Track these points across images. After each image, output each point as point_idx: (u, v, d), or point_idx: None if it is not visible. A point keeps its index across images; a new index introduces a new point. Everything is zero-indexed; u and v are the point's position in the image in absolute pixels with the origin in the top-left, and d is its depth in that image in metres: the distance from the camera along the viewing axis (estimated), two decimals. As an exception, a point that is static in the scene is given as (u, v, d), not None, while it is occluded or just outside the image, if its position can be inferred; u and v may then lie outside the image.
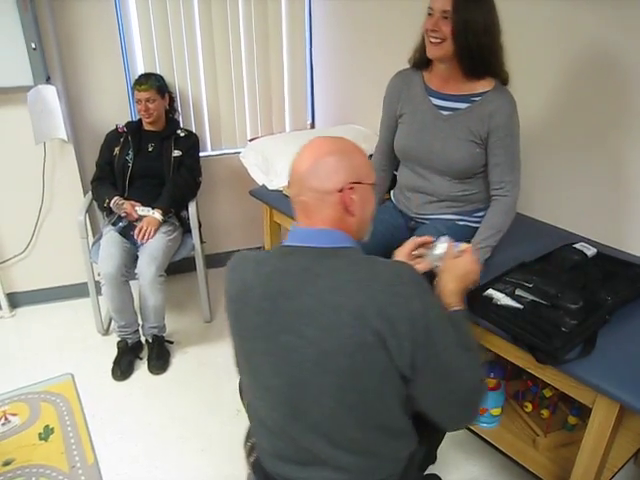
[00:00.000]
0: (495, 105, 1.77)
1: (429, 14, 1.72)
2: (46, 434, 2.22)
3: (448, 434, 1.61)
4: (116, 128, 2.76)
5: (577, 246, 1.92)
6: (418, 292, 1.09)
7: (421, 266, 1.50)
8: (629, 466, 2.08)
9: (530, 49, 2.18)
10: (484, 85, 1.80)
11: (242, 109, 3.25)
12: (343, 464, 1.21)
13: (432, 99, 1.89)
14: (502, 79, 1.81)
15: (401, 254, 1.52)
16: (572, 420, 1.91)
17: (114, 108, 2.96)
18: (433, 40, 1.73)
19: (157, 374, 2.56)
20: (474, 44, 1.70)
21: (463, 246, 1.48)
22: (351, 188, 1.16)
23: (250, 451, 1.39)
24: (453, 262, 1.45)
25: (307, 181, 1.16)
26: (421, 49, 1.84)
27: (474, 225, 1.91)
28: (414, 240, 1.52)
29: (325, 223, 1.17)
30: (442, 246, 1.49)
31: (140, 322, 2.66)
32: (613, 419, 1.47)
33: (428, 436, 1.39)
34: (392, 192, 2.17)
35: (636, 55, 1.89)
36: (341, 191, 1.15)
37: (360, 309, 1.05)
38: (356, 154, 1.22)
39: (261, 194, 2.68)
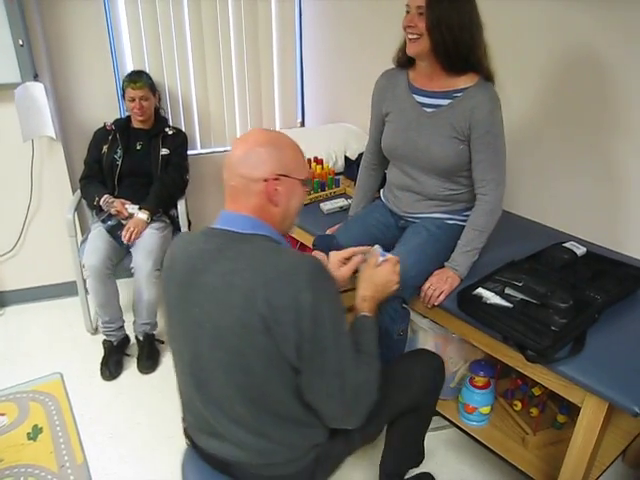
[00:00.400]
0: (476, 101, 1.77)
1: (407, 12, 1.74)
2: (35, 434, 2.20)
3: (437, 435, 1.63)
4: (104, 126, 2.74)
5: (567, 245, 1.93)
6: (312, 285, 1.12)
7: (345, 268, 1.54)
8: (617, 463, 2.10)
9: (517, 48, 2.20)
10: (466, 81, 1.80)
11: (232, 107, 3.24)
12: (239, 441, 1.27)
13: (416, 96, 1.89)
14: (485, 75, 1.80)
15: (334, 258, 1.58)
16: (561, 418, 1.92)
17: (103, 105, 2.94)
18: (410, 37, 1.75)
19: (146, 373, 2.55)
20: (449, 39, 1.70)
21: (389, 256, 1.51)
22: (276, 179, 1.22)
23: (183, 422, 1.46)
24: (373, 271, 1.49)
25: (237, 168, 1.23)
26: (404, 48, 1.84)
27: (463, 224, 1.91)
28: (352, 249, 1.58)
29: (248, 210, 1.24)
30: (369, 255, 1.53)
31: (125, 319, 2.65)
32: (602, 417, 1.48)
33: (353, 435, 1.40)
34: (382, 191, 2.17)
35: (623, 55, 1.90)
36: (266, 181, 1.21)
37: (251, 292, 1.12)
38: (288, 149, 1.27)
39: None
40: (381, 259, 1.49)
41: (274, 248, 1.22)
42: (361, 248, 1.57)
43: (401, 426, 1.67)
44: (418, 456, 1.85)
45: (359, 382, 1.23)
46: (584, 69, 2.03)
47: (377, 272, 1.48)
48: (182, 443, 2.20)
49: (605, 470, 1.80)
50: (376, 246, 1.55)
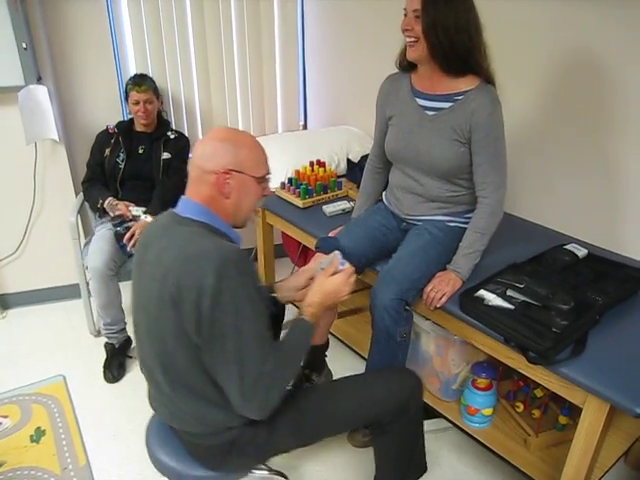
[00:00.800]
0: (476, 103, 1.77)
1: (404, 15, 1.75)
2: (37, 436, 2.21)
3: (440, 436, 1.62)
4: (107, 129, 2.75)
5: (568, 247, 1.94)
6: (219, 272, 1.20)
7: (299, 277, 1.67)
8: (620, 465, 2.10)
9: (518, 49, 2.21)
10: (467, 83, 1.81)
11: (234, 111, 3.25)
12: (167, 407, 1.45)
13: (418, 100, 1.90)
14: (485, 77, 1.81)
15: (305, 269, 1.70)
16: (563, 420, 1.93)
17: (106, 108, 2.95)
18: (408, 40, 1.76)
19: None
20: (446, 42, 1.71)
21: (346, 266, 1.53)
22: (227, 173, 1.31)
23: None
24: (326, 279, 1.50)
25: (195, 159, 1.35)
26: (405, 52, 1.85)
27: (465, 226, 1.91)
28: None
29: (200, 197, 1.35)
30: (326, 261, 1.57)
31: (127, 321, 2.65)
32: (603, 419, 1.48)
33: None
34: (384, 194, 2.18)
35: (623, 56, 1.91)
36: (217, 174, 1.31)
37: (167, 270, 1.26)
38: (245, 147, 1.36)
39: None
40: (340, 267, 1.53)
41: (204, 233, 1.31)
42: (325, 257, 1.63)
43: (383, 440, 1.68)
44: (412, 469, 1.77)
45: (261, 374, 1.26)
46: (584, 71, 2.03)
47: (329, 280, 1.49)
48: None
49: (607, 471, 1.80)
50: (336, 252, 1.58)
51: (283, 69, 3.28)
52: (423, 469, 1.79)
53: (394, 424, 1.59)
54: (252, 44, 3.13)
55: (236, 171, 1.33)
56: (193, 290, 1.21)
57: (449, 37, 1.70)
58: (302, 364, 2.03)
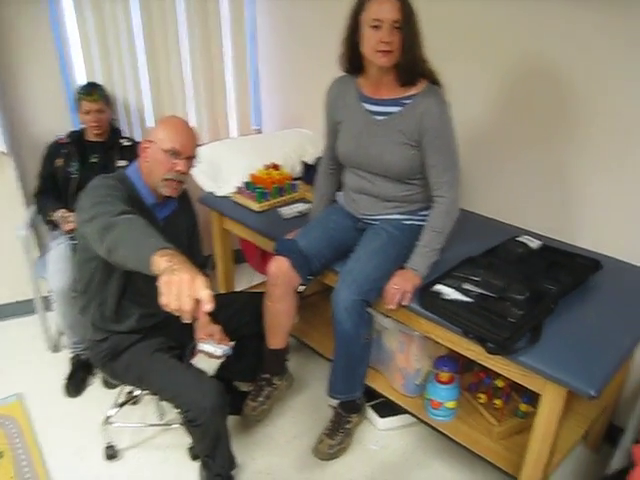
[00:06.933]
0: (424, 107, 1.79)
1: (375, 26, 1.69)
2: (-5, 458, 2.14)
3: (405, 432, 1.63)
4: (56, 140, 2.68)
5: (521, 239, 1.99)
6: (84, 192, 1.67)
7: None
8: (579, 447, 2.17)
9: (470, 51, 2.25)
10: (415, 88, 1.83)
11: (185, 116, 3.20)
12: None
13: (365, 105, 1.92)
14: (432, 80, 1.84)
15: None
16: (524, 407, 1.97)
17: (54, 119, 2.87)
18: (383, 49, 1.71)
19: (112, 388, 2.50)
20: (416, 55, 1.75)
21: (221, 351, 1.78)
22: (148, 142, 1.79)
23: None
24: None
25: None
26: (352, 57, 1.85)
27: (422, 224, 1.94)
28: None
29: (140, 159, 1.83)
30: (207, 347, 1.79)
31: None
32: (561, 403, 1.53)
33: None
34: (339, 194, 2.19)
35: (571, 59, 1.97)
36: (143, 142, 1.81)
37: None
38: (162, 125, 1.79)
39: (211, 201, 2.66)
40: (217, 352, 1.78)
41: (111, 176, 1.81)
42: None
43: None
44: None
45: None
46: (536, 71, 2.09)
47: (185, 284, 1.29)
48: (150, 457, 2.18)
49: (567, 454, 1.85)
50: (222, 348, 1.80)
51: (235, 73, 3.25)
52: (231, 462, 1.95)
53: (197, 424, 1.77)
54: (202, 51, 3.09)
55: (152, 141, 1.77)
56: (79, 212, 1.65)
57: (418, 50, 1.75)
58: (263, 369, 2.10)
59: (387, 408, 2.26)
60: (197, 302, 1.16)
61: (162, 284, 1.18)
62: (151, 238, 1.36)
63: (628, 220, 1.99)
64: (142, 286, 1.82)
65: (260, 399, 2.07)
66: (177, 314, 1.17)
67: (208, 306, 1.17)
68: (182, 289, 1.16)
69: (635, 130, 1.88)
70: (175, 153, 1.75)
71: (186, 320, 1.17)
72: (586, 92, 1.97)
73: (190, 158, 1.81)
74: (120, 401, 2.29)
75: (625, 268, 1.99)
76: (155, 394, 1.93)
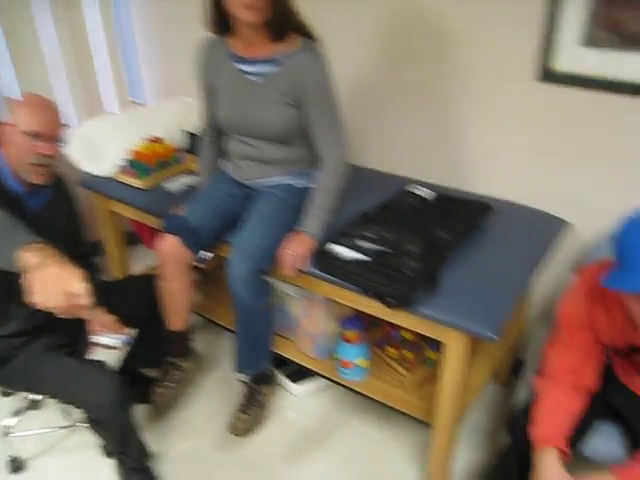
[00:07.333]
0: (301, 64, 1.72)
1: None
2: None
3: (322, 395, 1.60)
4: None
5: (413, 190, 1.97)
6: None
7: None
8: (490, 386, 2.25)
9: (348, 7, 2.17)
10: (289, 44, 1.74)
11: (51, 92, 2.93)
12: None
13: (239, 65, 1.81)
14: (306, 33, 1.76)
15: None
16: (432, 355, 1.99)
17: None
18: (248, 3, 1.60)
19: (7, 396, 2.29)
20: (286, 7, 1.67)
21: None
22: (7, 125, 1.64)
23: None
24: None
25: None
26: (218, 17, 1.74)
27: (310, 185, 1.88)
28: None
29: None
30: (102, 339, 1.67)
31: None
32: (465, 349, 1.55)
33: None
34: (224, 162, 2.09)
35: (450, 7, 1.94)
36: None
37: None
38: (21, 106, 1.64)
39: (92, 183, 2.44)
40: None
41: None
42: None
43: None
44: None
45: None
46: (417, 17, 2.03)
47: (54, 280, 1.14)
48: (59, 459, 2.03)
49: (479, 394, 1.90)
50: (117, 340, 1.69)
51: (107, 45, 3.01)
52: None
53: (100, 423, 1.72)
54: (65, 18, 2.83)
55: (11, 124, 1.62)
56: None
57: (287, 4, 1.67)
58: (167, 353, 2.00)
59: (300, 374, 2.24)
60: (73, 295, 1.09)
61: (30, 282, 1.10)
62: (14, 232, 1.23)
63: (515, 161, 2.02)
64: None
65: (168, 384, 1.99)
66: (54, 312, 1.10)
67: (83, 300, 1.10)
68: (52, 285, 1.09)
69: (505, 66, 1.90)
70: (36, 135, 1.62)
71: (66, 316, 1.11)
72: (463, 36, 1.96)
73: (54, 139, 1.67)
74: (18, 408, 2.12)
75: (515, 209, 2.01)
76: (52, 398, 1.80)
